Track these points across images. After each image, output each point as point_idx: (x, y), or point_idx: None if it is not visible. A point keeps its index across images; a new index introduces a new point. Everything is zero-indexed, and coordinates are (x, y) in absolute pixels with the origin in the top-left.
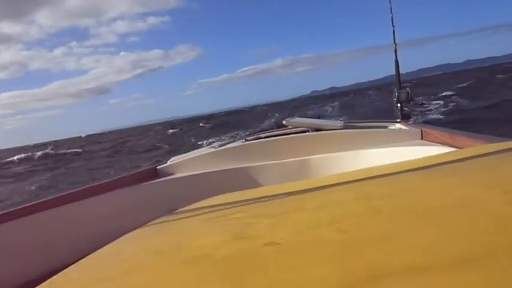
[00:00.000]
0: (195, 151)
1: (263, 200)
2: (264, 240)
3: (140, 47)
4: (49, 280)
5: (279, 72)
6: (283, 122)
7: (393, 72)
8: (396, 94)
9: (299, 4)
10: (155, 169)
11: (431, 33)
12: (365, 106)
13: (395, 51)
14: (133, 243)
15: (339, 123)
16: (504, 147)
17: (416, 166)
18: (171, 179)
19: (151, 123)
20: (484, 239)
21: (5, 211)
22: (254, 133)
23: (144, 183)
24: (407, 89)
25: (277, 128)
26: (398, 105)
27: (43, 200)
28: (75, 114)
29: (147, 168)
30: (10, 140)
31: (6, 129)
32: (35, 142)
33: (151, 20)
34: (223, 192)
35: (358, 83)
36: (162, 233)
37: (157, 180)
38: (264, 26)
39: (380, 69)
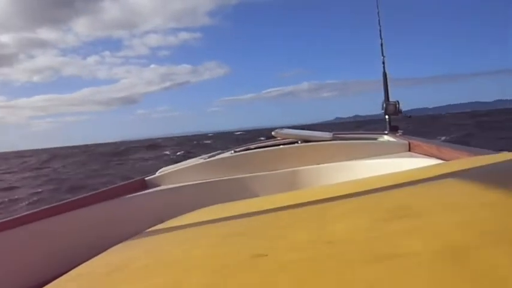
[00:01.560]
0: (184, 162)
1: (252, 211)
2: (252, 252)
3: (170, 61)
4: None
5: (304, 96)
6: (272, 133)
7: (419, 106)
8: (384, 106)
9: (326, 30)
10: (143, 180)
11: (462, 71)
12: None
13: (383, 63)
14: (122, 255)
15: (328, 134)
16: (489, 160)
17: (402, 178)
18: (159, 190)
19: (174, 136)
20: (462, 241)
21: None
22: (243, 145)
23: (132, 195)
24: (396, 101)
25: (267, 139)
26: (387, 117)
27: (29, 212)
28: (103, 122)
29: (135, 179)
30: (37, 141)
31: (34, 130)
32: (62, 145)
33: (183, 36)
34: (212, 204)
35: (381, 113)
36: (150, 244)
37: (146, 191)
38: (292, 50)
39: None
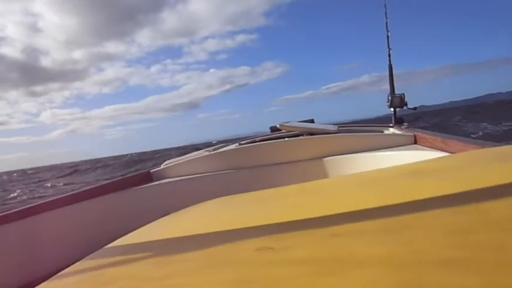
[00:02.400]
0: (189, 154)
1: (256, 203)
2: (256, 245)
3: (228, 64)
4: (41, 285)
5: (364, 89)
6: (277, 125)
7: (490, 91)
8: (390, 98)
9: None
10: (149, 173)
11: None
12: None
13: (389, 55)
14: (126, 247)
15: (333, 127)
16: (495, 153)
17: (408, 170)
18: (164, 182)
19: (235, 137)
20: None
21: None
22: (248, 137)
23: (138, 187)
24: (402, 93)
25: (272, 132)
26: (392, 109)
27: (34, 204)
28: (168, 128)
29: (141, 172)
30: (110, 149)
31: (107, 139)
32: (131, 152)
33: (240, 38)
34: (217, 196)
35: (451, 102)
36: (155, 236)
37: (151, 183)
38: (350, 42)
39: (474, 87)
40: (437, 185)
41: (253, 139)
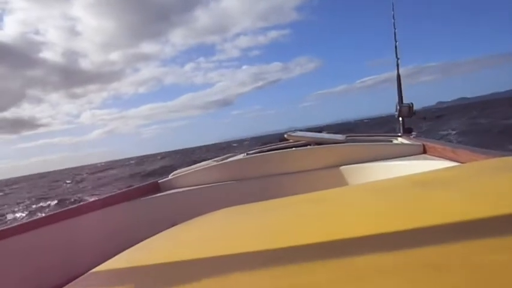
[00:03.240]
0: (197, 165)
1: (264, 214)
2: (265, 255)
3: (261, 60)
4: None
5: (402, 81)
6: (285, 135)
7: None
8: (398, 108)
9: (423, 10)
10: (157, 183)
11: None
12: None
13: (397, 65)
14: (135, 258)
15: (341, 137)
16: (505, 163)
17: (417, 180)
18: (172, 193)
19: (268, 133)
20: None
21: (9, 226)
22: (256, 147)
23: (146, 197)
24: (410, 103)
25: (279, 141)
26: (400, 119)
27: (42, 216)
28: (202, 125)
29: (149, 182)
30: (147, 147)
31: (144, 137)
32: (168, 150)
33: (272, 34)
34: (225, 206)
35: (494, 93)
36: (164, 247)
37: (159, 194)
38: (384, 35)
39: None
40: (447, 196)
41: (260, 149)
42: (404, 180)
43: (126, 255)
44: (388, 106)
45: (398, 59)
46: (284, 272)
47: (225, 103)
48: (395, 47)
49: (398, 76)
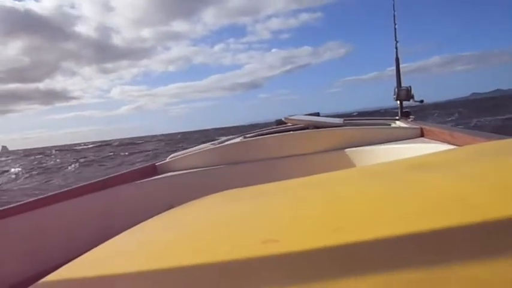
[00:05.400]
0: (194, 148)
1: (261, 197)
2: (262, 237)
3: (291, 43)
4: (42, 280)
5: (434, 71)
6: (283, 119)
7: None
8: (396, 91)
9: None
10: (154, 166)
11: None
12: None
13: (396, 48)
14: (131, 241)
15: (339, 120)
16: (503, 145)
17: (414, 163)
18: (170, 175)
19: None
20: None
21: (3, 208)
22: (253, 130)
23: (143, 180)
24: (408, 86)
25: (277, 125)
26: (398, 102)
27: (42, 196)
28: (228, 107)
29: (146, 165)
30: (174, 125)
31: (171, 115)
32: (195, 129)
33: (303, 17)
34: (222, 189)
35: None
36: (160, 230)
37: (156, 177)
38: (420, 21)
39: None
40: (443, 179)
41: (258, 132)
42: (401, 163)
43: (122, 238)
44: (419, 96)
45: (397, 42)
46: (281, 256)
47: (253, 86)
48: (395, 29)
49: (397, 59)
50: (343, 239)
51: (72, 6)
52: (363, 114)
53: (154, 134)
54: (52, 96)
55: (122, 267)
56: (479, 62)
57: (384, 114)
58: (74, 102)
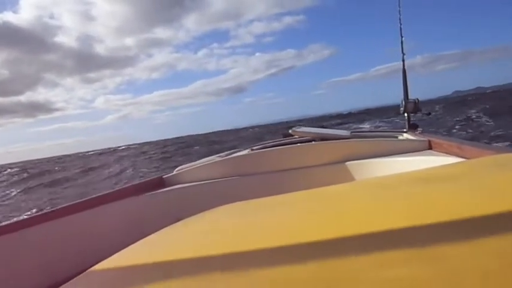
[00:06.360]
0: (202, 160)
1: (269, 209)
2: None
3: (274, 47)
4: None
5: (417, 70)
6: (290, 131)
7: None
8: (403, 104)
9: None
10: (161, 178)
11: None
12: None
13: (403, 61)
14: (139, 254)
15: (346, 132)
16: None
17: (421, 176)
18: (177, 188)
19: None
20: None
21: (13, 221)
22: (260, 143)
23: (150, 193)
24: (416, 98)
25: (284, 137)
26: (406, 115)
27: (47, 211)
28: (214, 112)
29: (153, 177)
30: (159, 133)
31: (157, 123)
32: (180, 135)
33: (286, 20)
34: (229, 202)
35: (507, 83)
36: (168, 243)
37: (164, 189)
38: (406, 21)
39: None
40: (451, 192)
41: (264, 145)
42: (409, 176)
43: (129, 251)
44: (399, 96)
45: (404, 54)
46: (289, 268)
47: (238, 90)
48: (401, 42)
49: (404, 72)
50: (351, 253)
51: (52, 17)
52: (352, 115)
53: (143, 141)
54: (35, 109)
55: (129, 281)
56: (461, 60)
57: (372, 113)
58: (57, 114)
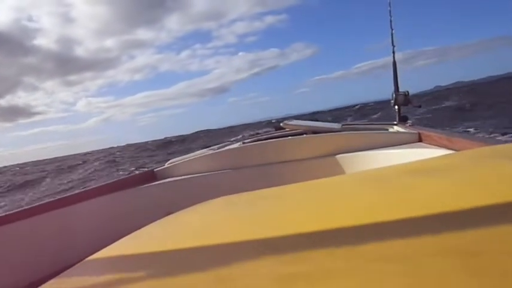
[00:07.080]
0: (193, 153)
1: (260, 202)
2: (261, 243)
3: (257, 46)
4: (44, 285)
5: (398, 67)
6: (281, 124)
7: None
8: (394, 96)
9: None
10: (153, 172)
11: None
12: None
13: (393, 53)
14: (130, 247)
15: (337, 125)
16: (501, 150)
17: (411, 168)
18: (168, 181)
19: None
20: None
21: (5, 213)
22: (252, 135)
23: (141, 186)
24: (406, 91)
25: (275, 130)
26: (396, 107)
27: (40, 203)
28: (198, 112)
29: (144, 171)
30: (144, 134)
31: (140, 125)
32: (164, 136)
33: (269, 19)
34: (221, 195)
35: (489, 76)
36: (159, 236)
37: (155, 182)
38: (381, 20)
39: None
40: (440, 184)
41: (257, 137)
42: (399, 168)
43: (120, 244)
44: (382, 92)
45: (394, 46)
46: (280, 260)
47: (222, 90)
48: (392, 34)
49: (395, 64)
50: (341, 245)
51: (30, 19)
52: (338, 110)
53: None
54: (14, 113)
55: (120, 274)
56: (440, 56)
57: (358, 110)
58: (38, 118)
